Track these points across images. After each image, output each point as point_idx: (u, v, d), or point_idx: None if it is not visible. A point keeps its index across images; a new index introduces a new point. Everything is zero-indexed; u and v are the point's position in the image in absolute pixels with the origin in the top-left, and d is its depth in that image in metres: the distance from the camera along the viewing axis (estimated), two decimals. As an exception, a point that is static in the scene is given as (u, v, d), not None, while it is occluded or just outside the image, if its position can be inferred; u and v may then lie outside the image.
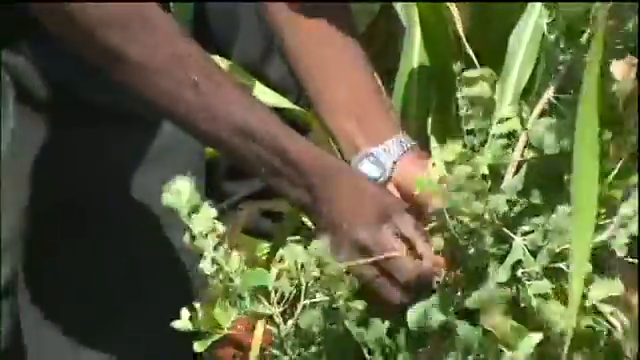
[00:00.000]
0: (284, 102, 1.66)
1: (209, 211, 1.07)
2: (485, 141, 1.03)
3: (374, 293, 1.04)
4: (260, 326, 1.08)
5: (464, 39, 1.39)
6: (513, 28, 1.36)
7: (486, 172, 0.99)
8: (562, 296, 0.99)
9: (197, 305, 1.08)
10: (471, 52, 1.34)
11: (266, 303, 1.04)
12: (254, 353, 1.11)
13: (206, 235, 1.04)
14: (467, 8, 1.45)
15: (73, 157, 1.47)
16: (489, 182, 1.01)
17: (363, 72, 1.21)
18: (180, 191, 1.05)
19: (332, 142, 1.28)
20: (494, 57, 1.34)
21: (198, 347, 1.07)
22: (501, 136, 1.03)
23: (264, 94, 1.65)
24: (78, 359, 1.46)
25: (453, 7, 1.42)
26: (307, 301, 1.04)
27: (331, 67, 1.21)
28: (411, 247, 1.03)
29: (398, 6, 1.56)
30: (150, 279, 1.51)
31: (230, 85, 1.14)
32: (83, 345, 1.50)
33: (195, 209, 1.06)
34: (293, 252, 1.04)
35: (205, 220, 1.05)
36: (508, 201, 0.98)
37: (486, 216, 0.96)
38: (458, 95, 1.03)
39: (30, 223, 1.42)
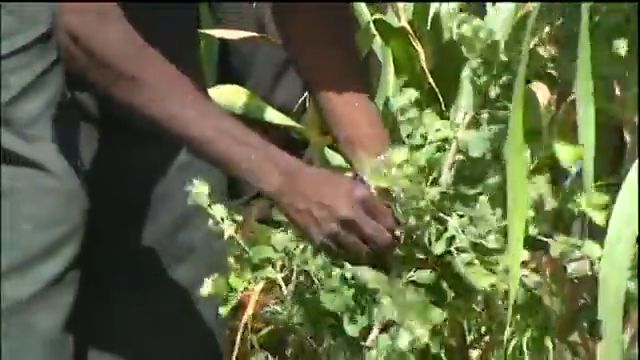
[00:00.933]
0: (288, 121, 1.97)
1: (225, 203, 1.35)
2: (421, 144, 1.28)
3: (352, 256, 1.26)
4: (257, 289, 1.35)
5: (428, 73, 1.67)
6: (465, 63, 1.63)
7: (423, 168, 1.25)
8: (486, 264, 1.25)
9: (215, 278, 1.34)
10: (433, 83, 1.64)
11: (272, 270, 1.30)
12: (250, 309, 1.39)
13: (224, 220, 1.32)
14: (430, 48, 1.73)
15: (114, 165, 1.65)
16: (430, 178, 1.25)
17: (369, 108, 1.44)
18: (202, 189, 1.33)
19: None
20: (451, 86, 1.60)
21: (223, 311, 1.35)
22: (434, 141, 1.28)
23: (273, 114, 1.99)
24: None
25: (419, 47, 1.69)
26: (301, 267, 1.30)
27: (346, 108, 1.43)
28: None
29: (376, 46, 1.84)
30: (173, 266, 1.67)
31: (212, 103, 1.38)
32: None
33: (214, 202, 1.34)
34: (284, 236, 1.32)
35: (222, 210, 1.33)
36: (443, 192, 1.23)
37: (424, 203, 1.21)
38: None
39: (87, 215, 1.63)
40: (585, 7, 1.19)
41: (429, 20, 1.80)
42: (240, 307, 1.61)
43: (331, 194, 1.28)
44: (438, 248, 1.27)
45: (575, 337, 1.60)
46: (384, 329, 1.33)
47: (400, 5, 1.81)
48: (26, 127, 1.49)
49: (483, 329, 1.56)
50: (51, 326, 1.54)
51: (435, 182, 1.27)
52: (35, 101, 1.50)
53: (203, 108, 1.34)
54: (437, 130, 1.28)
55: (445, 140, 1.32)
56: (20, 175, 1.51)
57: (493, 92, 1.31)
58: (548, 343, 1.52)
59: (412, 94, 1.32)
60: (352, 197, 1.26)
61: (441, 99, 1.69)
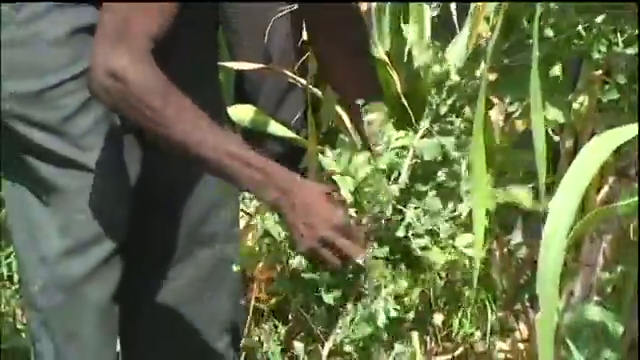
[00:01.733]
0: (290, 133, 2.17)
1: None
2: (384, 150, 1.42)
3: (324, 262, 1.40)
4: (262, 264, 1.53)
5: (402, 95, 1.77)
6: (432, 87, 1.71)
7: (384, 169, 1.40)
8: (438, 245, 1.40)
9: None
10: (406, 103, 1.73)
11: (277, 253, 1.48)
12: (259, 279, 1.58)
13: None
14: (404, 75, 1.85)
15: (151, 168, 1.79)
16: (392, 178, 1.41)
17: None
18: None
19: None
20: (420, 107, 1.67)
21: (235, 268, 1.58)
22: (394, 148, 1.43)
23: (277, 128, 2.20)
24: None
25: (394, 74, 1.82)
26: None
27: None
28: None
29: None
30: (197, 250, 1.80)
31: (222, 131, 1.49)
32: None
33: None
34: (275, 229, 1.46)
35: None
36: (402, 189, 1.39)
37: (386, 198, 1.37)
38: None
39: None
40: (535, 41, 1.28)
41: (404, 51, 1.87)
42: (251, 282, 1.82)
43: (315, 216, 1.40)
44: (400, 233, 1.41)
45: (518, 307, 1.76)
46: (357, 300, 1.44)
47: (376, 40, 1.95)
48: (80, 139, 1.65)
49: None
50: (102, 297, 1.70)
51: (395, 181, 1.43)
52: (87, 118, 1.65)
53: (216, 136, 1.47)
54: (397, 139, 1.44)
55: (404, 148, 1.46)
56: (74, 176, 1.68)
57: (443, 109, 1.47)
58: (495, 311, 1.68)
59: (380, 115, 1.51)
60: (331, 221, 1.39)
61: (412, 116, 1.70)
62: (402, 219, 1.42)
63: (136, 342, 1.88)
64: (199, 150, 1.44)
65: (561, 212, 1.22)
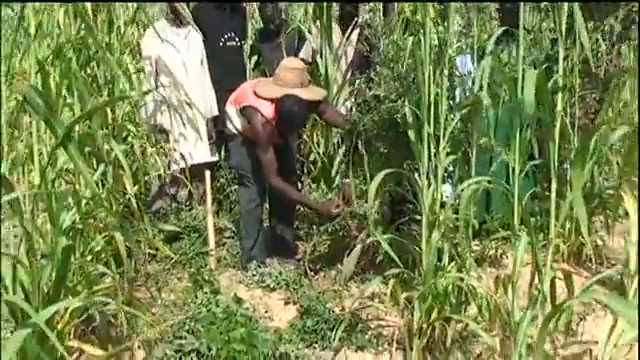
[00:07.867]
0: None
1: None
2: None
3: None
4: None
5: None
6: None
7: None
8: None
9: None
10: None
11: None
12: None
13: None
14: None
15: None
16: None
17: None
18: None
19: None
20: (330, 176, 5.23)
21: None
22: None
23: None
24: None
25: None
26: None
27: None
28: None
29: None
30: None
31: (299, 193, 4.63)
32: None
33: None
34: None
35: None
36: None
37: None
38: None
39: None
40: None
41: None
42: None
43: (327, 213, 4.37)
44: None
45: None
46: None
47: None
48: (247, 169, 4.52)
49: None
50: (254, 211, 4.62)
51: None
52: (245, 162, 4.49)
53: (299, 195, 4.45)
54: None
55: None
56: (251, 180, 4.52)
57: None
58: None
59: None
60: (330, 214, 4.36)
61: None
62: None
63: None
64: (294, 199, 4.42)
65: (372, 196, 3.50)
